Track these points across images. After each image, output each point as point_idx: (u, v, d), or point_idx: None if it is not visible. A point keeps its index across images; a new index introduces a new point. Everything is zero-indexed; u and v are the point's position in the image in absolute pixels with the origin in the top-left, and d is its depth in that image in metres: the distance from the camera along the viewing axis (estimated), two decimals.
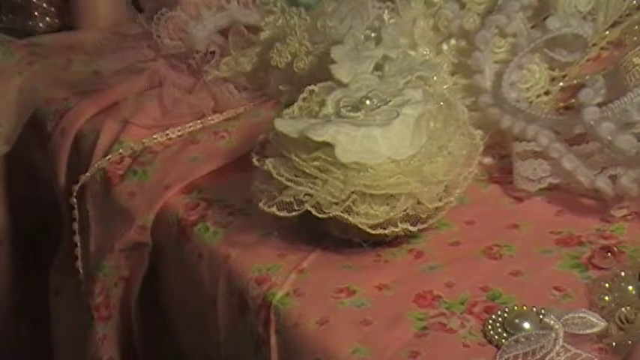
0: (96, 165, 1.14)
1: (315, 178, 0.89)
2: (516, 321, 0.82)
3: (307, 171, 0.89)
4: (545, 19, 1.05)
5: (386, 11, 1.08)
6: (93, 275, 1.12)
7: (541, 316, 0.82)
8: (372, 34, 1.05)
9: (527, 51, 1.03)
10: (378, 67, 0.98)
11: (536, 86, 1.05)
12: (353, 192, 0.88)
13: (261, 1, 1.19)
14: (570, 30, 1.03)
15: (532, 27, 1.07)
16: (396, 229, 0.90)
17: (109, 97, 1.20)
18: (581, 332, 0.80)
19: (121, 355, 1.16)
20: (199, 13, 1.19)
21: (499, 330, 0.82)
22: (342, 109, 0.92)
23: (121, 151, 1.14)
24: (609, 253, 0.89)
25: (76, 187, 1.15)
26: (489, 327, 0.83)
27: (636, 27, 1.09)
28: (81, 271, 1.15)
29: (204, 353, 1.05)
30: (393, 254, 0.93)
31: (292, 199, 0.89)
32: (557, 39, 1.04)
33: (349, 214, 0.89)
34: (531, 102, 1.05)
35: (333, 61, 0.98)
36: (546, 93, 1.06)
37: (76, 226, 1.16)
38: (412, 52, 1.06)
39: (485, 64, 1.05)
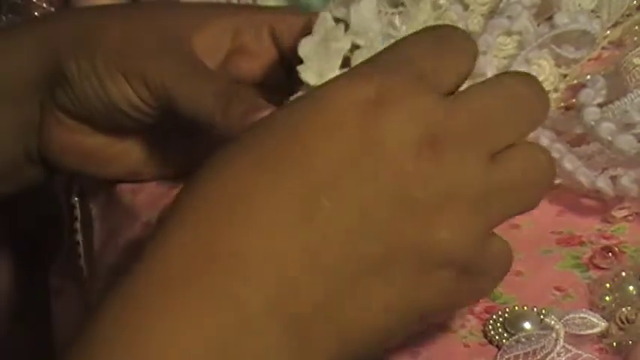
0: None
1: None
2: (517, 321, 0.82)
3: None
4: (549, 18, 1.05)
5: (397, 16, 1.07)
6: (95, 274, 1.12)
7: (542, 317, 0.82)
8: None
9: (535, 46, 1.03)
10: (347, 62, 0.85)
11: (545, 82, 1.04)
12: None
13: (261, 1, 1.19)
14: (578, 26, 1.03)
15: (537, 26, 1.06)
16: None
17: None
18: (581, 332, 0.80)
19: None
20: None
21: (500, 330, 0.82)
22: None
23: None
24: (610, 254, 0.89)
25: (78, 186, 1.15)
26: (490, 327, 0.83)
27: (636, 27, 1.09)
28: (84, 269, 1.15)
29: None
30: None
31: None
32: (564, 35, 1.04)
33: None
34: None
35: (300, 60, 0.84)
36: (555, 90, 1.06)
37: (77, 225, 1.16)
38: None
39: (487, 68, 1.05)
